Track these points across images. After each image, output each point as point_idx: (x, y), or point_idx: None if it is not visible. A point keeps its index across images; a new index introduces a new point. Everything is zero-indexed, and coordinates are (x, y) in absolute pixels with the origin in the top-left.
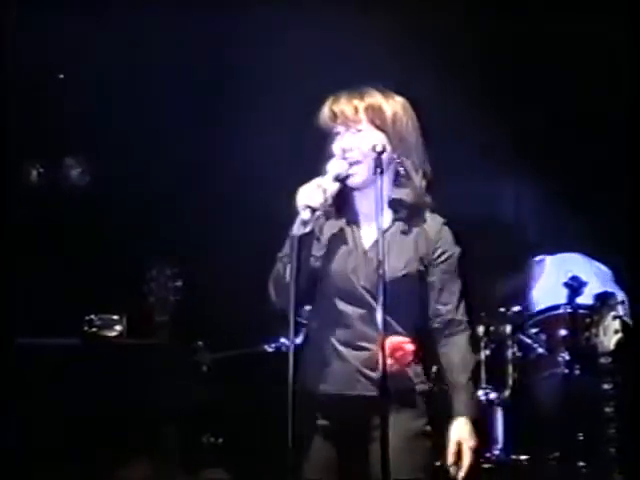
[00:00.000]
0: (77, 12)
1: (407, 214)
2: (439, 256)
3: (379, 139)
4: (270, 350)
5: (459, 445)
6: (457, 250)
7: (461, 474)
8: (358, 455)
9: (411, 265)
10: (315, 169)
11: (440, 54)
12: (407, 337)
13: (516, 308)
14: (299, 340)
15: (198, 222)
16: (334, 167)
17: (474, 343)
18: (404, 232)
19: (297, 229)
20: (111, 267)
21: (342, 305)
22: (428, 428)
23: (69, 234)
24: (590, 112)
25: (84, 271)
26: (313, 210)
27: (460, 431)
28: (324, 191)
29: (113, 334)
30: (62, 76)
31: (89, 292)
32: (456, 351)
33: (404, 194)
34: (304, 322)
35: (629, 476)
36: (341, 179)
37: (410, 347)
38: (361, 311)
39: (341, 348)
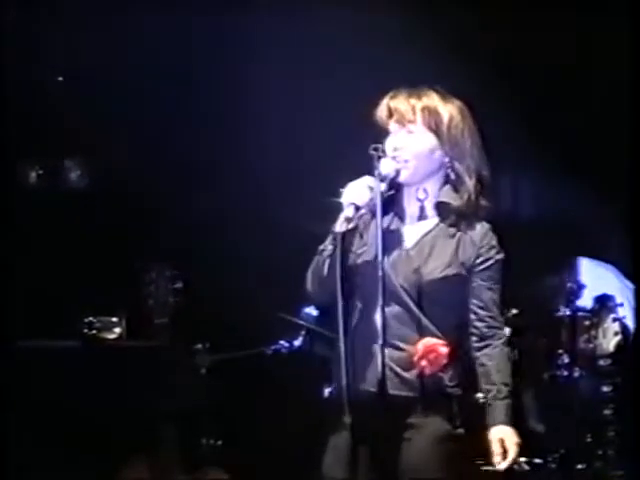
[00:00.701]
0: (76, 14)
1: (453, 218)
2: (482, 262)
3: (431, 141)
4: (269, 352)
5: (502, 442)
6: (500, 256)
7: (504, 465)
8: (386, 454)
9: (451, 268)
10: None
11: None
12: (442, 340)
13: (515, 311)
14: (298, 342)
15: (197, 224)
16: (383, 167)
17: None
18: (448, 235)
19: (340, 225)
20: (110, 269)
21: (380, 303)
22: (459, 431)
23: (68, 236)
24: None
25: (83, 273)
26: (357, 208)
27: (503, 433)
28: (371, 190)
29: (112, 336)
30: (61, 78)
31: (88, 294)
32: (495, 359)
33: (452, 198)
34: (303, 324)
35: (629, 478)
36: (389, 179)
37: (444, 350)
38: (397, 310)
39: (375, 346)
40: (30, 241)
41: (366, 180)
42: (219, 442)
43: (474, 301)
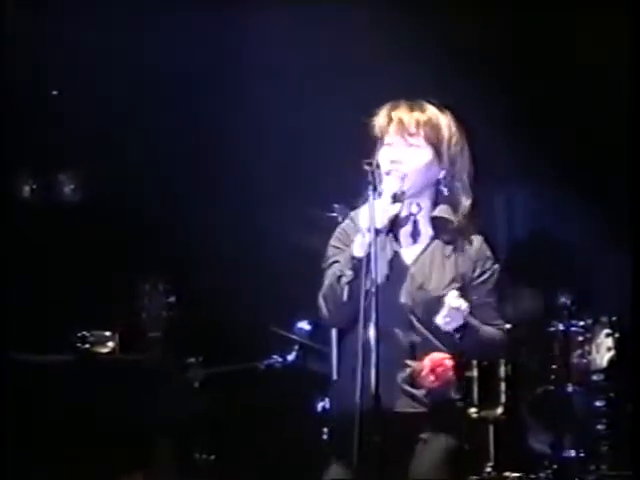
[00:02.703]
0: (70, 30)
1: (448, 233)
2: (479, 275)
3: (429, 156)
4: (262, 367)
5: None
6: (496, 267)
7: None
8: (396, 471)
9: (452, 285)
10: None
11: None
12: (447, 354)
13: (508, 325)
14: (291, 357)
15: (191, 238)
16: (390, 186)
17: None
18: (444, 250)
19: (361, 251)
20: (104, 283)
21: (387, 323)
22: (466, 447)
23: (62, 250)
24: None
25: (77, 287)
26: (377, 232)
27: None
28: (386, 212)
29: (106, 350)
30: (56, 92)
31: (82, 308)
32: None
33: (447, 213)
34: (297, 338)
35: None
36: (398, 198)
37: (450, 363)
38: (403, 328)
39: (383, 366)
40: (24, 255)
41: (383, 203)
42: (212, 456)
43: (479, 316)
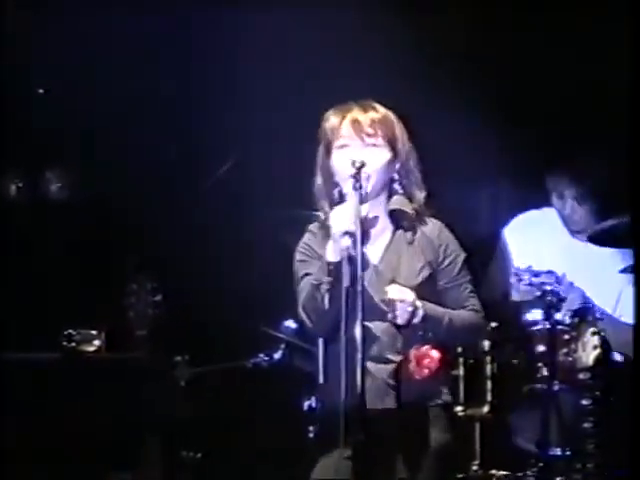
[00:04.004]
0: (56, 28)
1: (407, 224)
2: (444, 259)
3: (387, 155)
4: (249, 365)
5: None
6: (463, 254)
7: None
8: (385, 468)
9: (423, 272)
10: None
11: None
12: (430, 344)
13: (494, 324)
14: (278, 355)
15: (178, 237)
16: (353, 186)
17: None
18: (408, 242)
19: (336, 256)
20: (90, 281)
21: (366, 322)
22: (451, 441)
23: (48, 249)
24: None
25: (63, 285)
26: (352, 236)
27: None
28: (357, 215)
29: (92, 349)
30: (42, 90)
31: (68, 306)
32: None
33: (402, 204)
34: (283, 337)
35: None
36: (364, 199)
37: (436, 354)
38: (382, 325)
39: (369, 364)
40: (9, 253)
41: (351, 205)
42: (199, 455)
43: (447, 298)
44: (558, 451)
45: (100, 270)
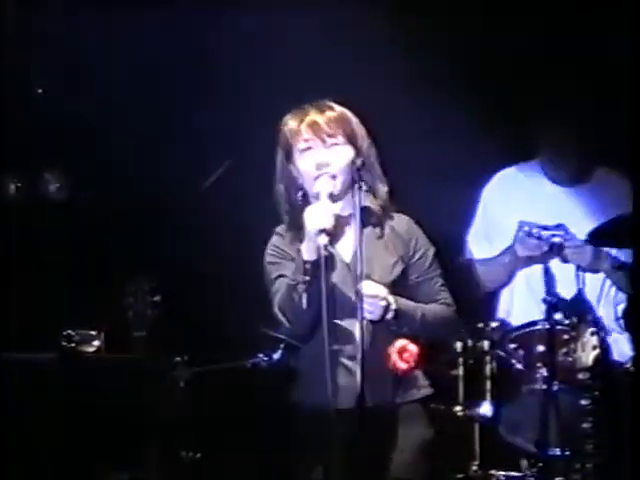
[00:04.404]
0: (56, 27)
1: (375, 220)
2: (414, 253)
3: (351, 153)
4: (248, 366)
5: None
6: (432, 248)
7: None
8: (370, 465)
9: (396, 268)
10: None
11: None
12: (408, 338)
13: (494, 324)
14: (277, 356)
15: (177, 237)
16: (324, 187)
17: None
18: (375, 237)
19: (313, 254)
20: (89, 282)
21: (340, 320)
22: (434, 436)
23: (47, 249)
24: None
25: (62, 286)
26: (328, 233)
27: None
28: (331, 212)
29: (91, 349)
30: (40, 90)
31: (67, 307)
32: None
33: (370, 201)
34: (282, 337)
35: None
36: (334, 198)
37: (414, 348)
38: (359, 323)
39: (347, 362)
40: (8, 254)
41: (325, 203)
42: (198, 455)
43: (420, 292)
44: (557, 451)
45: (99, 270)
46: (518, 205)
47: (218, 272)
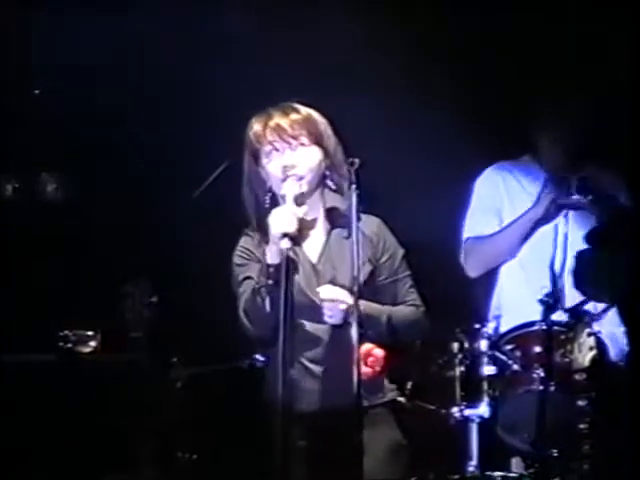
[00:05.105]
0: (51, 29)
1: (343, 221)
2: (382, 254)
3: (318, 154)
4: (245, 366)
5: None
6: (401, 250)
7: None
8: (336, 471)
9: (364, 270)
10: None
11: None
12: (374, 344)
13: (491, 324)
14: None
15: (174, 238)
16: (290, 189)
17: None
18: (342, 238)
19: (276, 258)
20: (86, 282)
21: (306, 323)
22: (404, 441)
23: (44, 250)
24: None
25: (59, 286)
26: (291, 237)
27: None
28: (295, 216)
29: (88, 350)
30: (38, 91)
31: (64, 307)
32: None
33: (338, 202)
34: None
35: None
36: (300, 201)
37: (380, 352)
38: (325, 326)
39: (311, 366)
40: (5, 255)
41: (289, 207)
42: (194, 456)
43: (388, 294)
44: (554, 452)
45: (96, 271)
46: (513, 190)
47: (215, 273)
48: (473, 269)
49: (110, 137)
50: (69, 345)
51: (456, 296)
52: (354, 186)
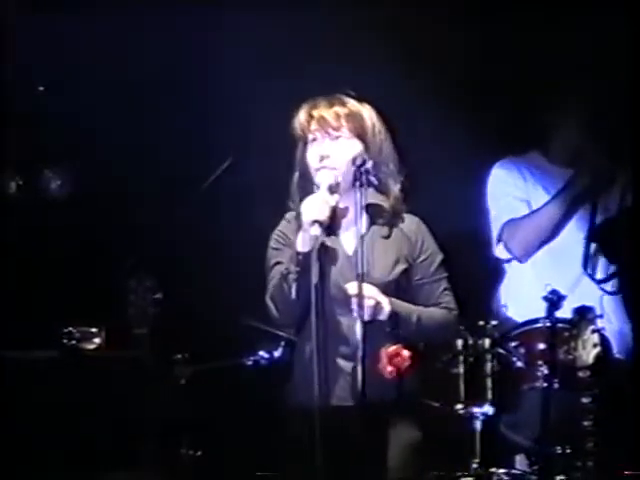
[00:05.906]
0: (56, 27)
1: (384, 218)
2: (420, 254)
3: (357, 147)
4: (249, 363)
5: None
6: (440, 255)
7: None
8: (357, 466)
9: (398, 267)
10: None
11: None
12: (401, 343)
13: (495, 322)
14: (278, 353)
15: (178, 235)
16: (324, 179)
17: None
18: (384, 236)
19: (307, 245)
20: (90, 279)
21: (340, 318)
22: (422, 438)
23: (48, 246)
24: None
25: (63, 283)
26: (321, 225)
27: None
28: (327, 204)
29: (92, 346)
30: (42, 88)
31: (68, 304)
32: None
33: (380, 200)
34: (283, 335)
35: None
36: (334, 190)
37: (406, 353)
38: (353, 321)
39: (340, 361)
40: (9, 251)
41: (322, 195)
42: (199, 453)
43: (422, 294)
44: (558, 449)
45: (100, 268)
46: (529, 182)
47: (220, 270)
48: (519, 251)
49: (113, 134)
50: (73, 342)
51: (460, 293)
52: (358, 183)
